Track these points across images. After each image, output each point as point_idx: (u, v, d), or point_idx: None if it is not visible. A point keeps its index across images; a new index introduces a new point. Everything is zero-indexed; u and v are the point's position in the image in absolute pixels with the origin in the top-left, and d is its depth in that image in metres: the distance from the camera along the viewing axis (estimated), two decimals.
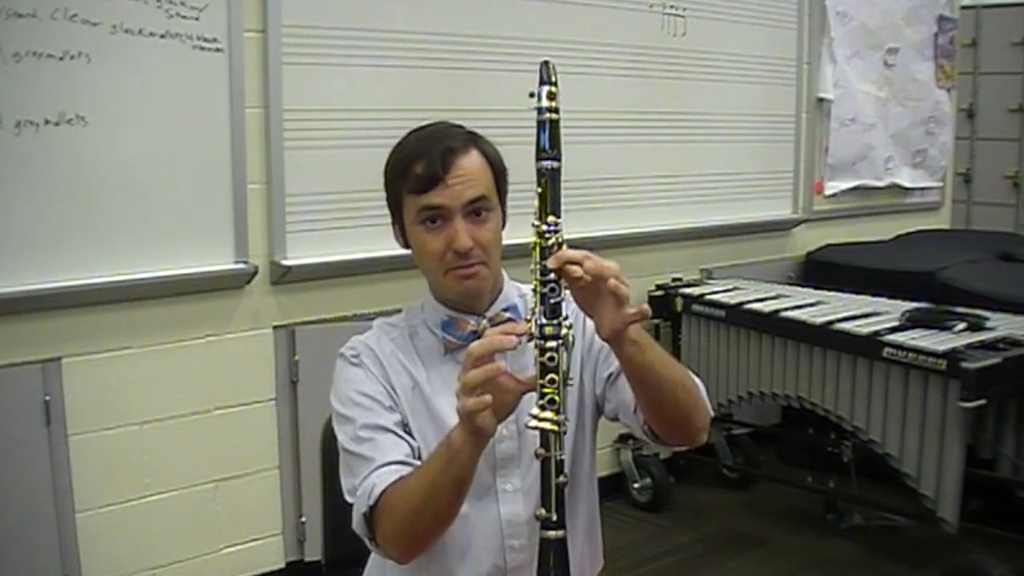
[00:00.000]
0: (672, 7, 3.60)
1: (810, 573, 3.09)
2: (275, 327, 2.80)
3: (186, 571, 2.69)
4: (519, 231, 1.42)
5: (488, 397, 1.18)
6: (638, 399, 1.33)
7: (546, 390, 1.19)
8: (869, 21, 4.33)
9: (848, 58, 4.27)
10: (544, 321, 1.19)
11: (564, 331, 1.19)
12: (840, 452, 3.17)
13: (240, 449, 2.76)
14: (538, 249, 1.20)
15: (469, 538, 1.40)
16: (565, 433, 1.20)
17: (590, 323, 1.28)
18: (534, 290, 1.20)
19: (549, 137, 1.21)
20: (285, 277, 2.75)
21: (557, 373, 1.19)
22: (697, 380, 1.40)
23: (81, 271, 2.41)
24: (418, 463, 1.35)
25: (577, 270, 1.18)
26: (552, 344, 1.18)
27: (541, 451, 1.19)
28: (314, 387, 2.59)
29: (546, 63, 1.22)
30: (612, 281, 1.19)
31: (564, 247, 1.20)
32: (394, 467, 1.33)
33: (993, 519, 2.86)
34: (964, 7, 5.16)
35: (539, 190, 1.21)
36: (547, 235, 1.19)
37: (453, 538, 1.37)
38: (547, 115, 1.21)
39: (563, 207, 1.21)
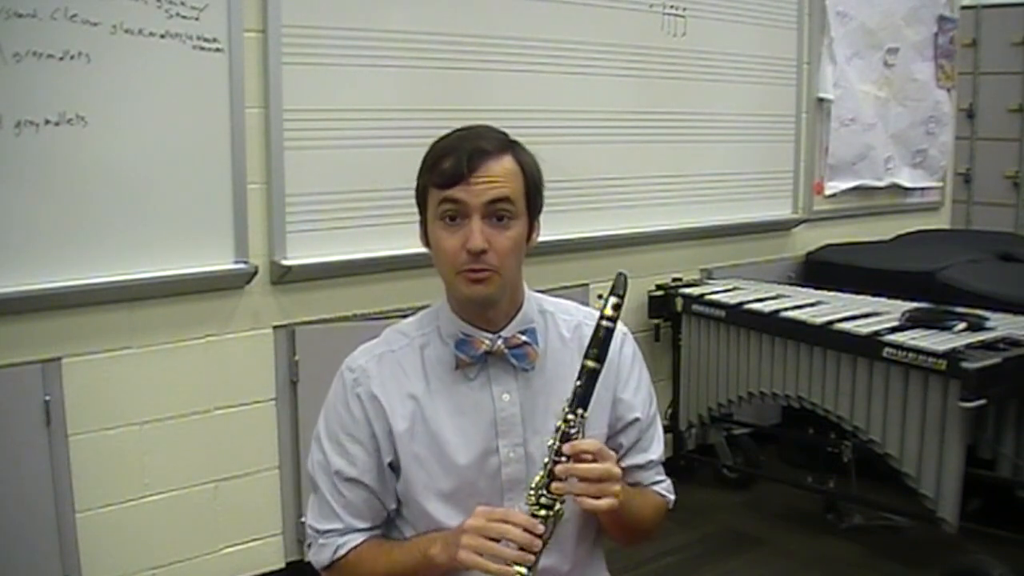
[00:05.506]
0: (672, 7, 3.60)
1: (810, 573, 3.09)
2: (275, 327, 2.79)
3: (186, 571, 2.69)
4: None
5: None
6: (602, 522, 1.44)
7: None
8: (869, 21, 4.33)
9: (848, 58, 4.27)
10: (544, 493, 1.29)
11: (557, 506, 1.30)
12: (840, 452, 3.17)
13: (240, 449, 2.76)
14: (559, 432, 1.30)
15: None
16: None
17: (616, 347, 1.40)
18: (545, 464, 1.31)
19: (600, 342, 1.32)
20: (285, 277, 2.75)
21: (539, 537, 1.28)
22: (670, 497, 1.54)
23: (81, 271, 2.41)
24: (378, 532, 1.44)
25: (590, 469, 1.29)
26: (543, 513, 1.29)
27: None
28: (314, 387, 2.58)
29: (622, 276, 1.33)
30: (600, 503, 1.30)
31: (581, 434, 1.31)
32: (359, 535, 1.43)
33: (993, 519, 2.86)
34: (964, 7, 5.16)
35: (578, 383, 1.32)
36: (570, 422, 1.30)
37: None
38: (606, 323, 1.32)
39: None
